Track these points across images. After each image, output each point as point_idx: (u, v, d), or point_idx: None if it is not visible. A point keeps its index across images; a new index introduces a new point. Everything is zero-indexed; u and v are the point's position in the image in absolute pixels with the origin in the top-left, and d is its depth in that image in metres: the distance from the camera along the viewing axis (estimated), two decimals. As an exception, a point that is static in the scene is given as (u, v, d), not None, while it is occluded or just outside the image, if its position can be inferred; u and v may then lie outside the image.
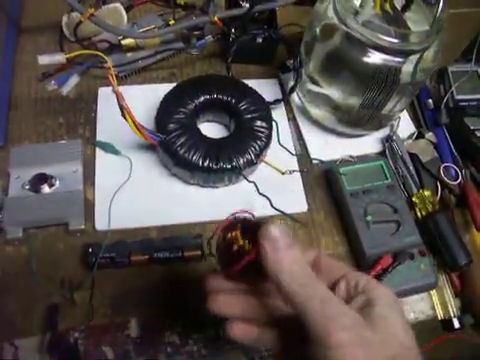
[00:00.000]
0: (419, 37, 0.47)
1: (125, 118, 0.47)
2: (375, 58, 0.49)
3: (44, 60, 0.45)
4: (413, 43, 0.48)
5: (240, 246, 0.29)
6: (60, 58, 0.46)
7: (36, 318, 0.45)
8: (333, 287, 0.31)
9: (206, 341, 0.46)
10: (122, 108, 0.46)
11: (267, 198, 0.42)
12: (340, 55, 0.51)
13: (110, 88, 0.60)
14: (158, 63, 0.63)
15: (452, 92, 0.62)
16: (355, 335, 0.26)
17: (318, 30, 0.53)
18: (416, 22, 0.51)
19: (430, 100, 0.63)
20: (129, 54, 0.61)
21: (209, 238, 0.35)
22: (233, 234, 0.30)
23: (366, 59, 0.49)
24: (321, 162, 0.55)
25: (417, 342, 0.51)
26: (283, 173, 0.45)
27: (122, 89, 0.45)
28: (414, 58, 0.49)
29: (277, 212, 0.48)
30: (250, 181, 0.43)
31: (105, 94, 0.59)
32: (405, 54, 0.48)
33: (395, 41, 0.47)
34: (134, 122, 0.47)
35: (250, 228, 0.30)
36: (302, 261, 0.28)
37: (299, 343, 0.28)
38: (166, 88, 0.55)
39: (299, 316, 0.27)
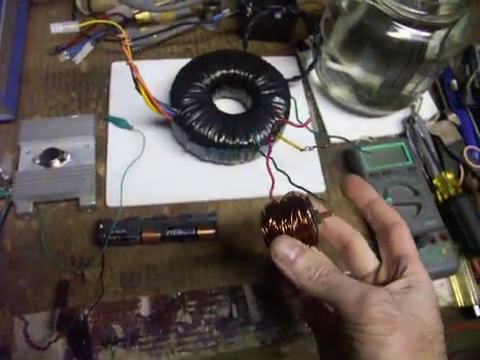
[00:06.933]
0: (449, 9, 0.45)
1: (139, 91, 0.45)
2: (400, 32, 0.46)
3: (57, 29, 0.43)
4: (442, 16, 0.45)
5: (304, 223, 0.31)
6: (73, 27, 0.44)
7: (46, 294, 0.44)
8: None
9: (218, 322, 0.45)
10: (136, 80, 0.44)
11: (286, 174, 0.40)
12: (363, 30, 0.49)
13: (123, 63, 0.58)
14: (173, 38, 0.61)
15: (478, 72, 0.60)
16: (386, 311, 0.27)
17: (340, 5, 0.51)
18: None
19: (454, 81, 0.61)
20: (143, 29, 0.59)
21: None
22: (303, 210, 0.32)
23: (390, 33, 0.47)
24: (340, 142, 0.53)
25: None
26: (302, 150, 0.43)
27: (136, 64, 0.43)
28: (441, 33, 0.47)
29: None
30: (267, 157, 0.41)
31: (118, 69, 0.57)
32: (432, 28, 0.46)
33: (422, 13, 0.45)
34: (148, 95, 0.45)
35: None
36: (314, 261, 0.30)
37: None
38: (181, 64, 0.53)
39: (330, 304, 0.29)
